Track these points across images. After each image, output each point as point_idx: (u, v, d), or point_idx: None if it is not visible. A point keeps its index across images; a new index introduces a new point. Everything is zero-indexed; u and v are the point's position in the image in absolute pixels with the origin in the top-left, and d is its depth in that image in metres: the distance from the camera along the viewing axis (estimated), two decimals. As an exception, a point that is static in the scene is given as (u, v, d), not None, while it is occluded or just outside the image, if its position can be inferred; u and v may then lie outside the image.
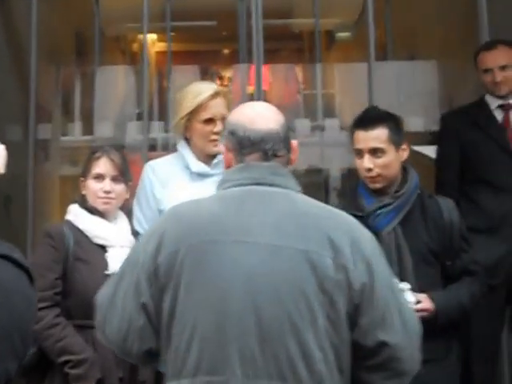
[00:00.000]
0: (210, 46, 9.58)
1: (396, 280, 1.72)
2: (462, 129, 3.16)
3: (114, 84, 6.74)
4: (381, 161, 2.36)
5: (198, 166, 2.42)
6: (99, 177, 2.44)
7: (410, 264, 2.30)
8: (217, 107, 2.42)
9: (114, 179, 2.43)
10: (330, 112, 6.72)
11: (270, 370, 1.46)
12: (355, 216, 2.32)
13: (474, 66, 3.20)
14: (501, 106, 3.16)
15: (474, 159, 3.14)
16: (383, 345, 1.55)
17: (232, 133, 1.66)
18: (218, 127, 2.39)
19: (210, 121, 2.42)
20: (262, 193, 1.60)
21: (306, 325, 1.49)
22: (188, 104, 2.43)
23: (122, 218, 2.51)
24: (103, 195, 2.42)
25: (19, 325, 1.06)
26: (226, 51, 9.74)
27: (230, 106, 2.44)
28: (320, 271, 1.51)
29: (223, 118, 2.34)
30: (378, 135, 2.36)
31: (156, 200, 2.41)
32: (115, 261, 2.28)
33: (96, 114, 4.87)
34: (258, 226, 1.53)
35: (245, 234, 1.53)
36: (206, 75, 10.74)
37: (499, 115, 3.18)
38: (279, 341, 1.47)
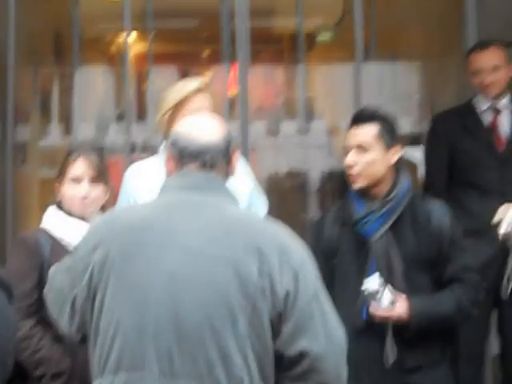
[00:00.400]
0: (191, 48, 9.50)
1: (322, 292, 1.66)
2: (451, 131, 3.14)
3: (94, 85, 6.64)
4: (364, 158, 2.30)
5: None
6: (76, 179, 2.34)
7: (400, 271, 2.25)
8: (202, 101, 2.32)
9: (92, 181, 2.33)
10: (312, 114, 6.69)
11: (188, 371, 1.49)
12: (345, 222, 2.31)
13: (463, 67, 3.15)
14: (490, 109, 3.13)
15: (461, 162, 3.11)
16: (304, 354, 1.55)
17: (174, 143, 1.73)
18: None
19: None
20: (196, 200, 1.66)
21: (226, 329, 1.51)
22: (172, 98, 2.33)
23: None
24: (80, 200, 2.32)
25: None
26: (206, 52, 9.67)
27: (216, 103, 2.37)
28: (244, 277, 1.54)
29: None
30: (366, 132, 2.31)
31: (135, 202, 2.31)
32: None
33: (75, 116, 4.78)
34: (186, 230, 1.58)
35: (172, 238, 1.58)
36: (185, 77, 10.72)
37: (487, 118, 3.15)
38: (198, 343, 1.49)
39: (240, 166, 2.32)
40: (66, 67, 4.74)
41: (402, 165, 2.42)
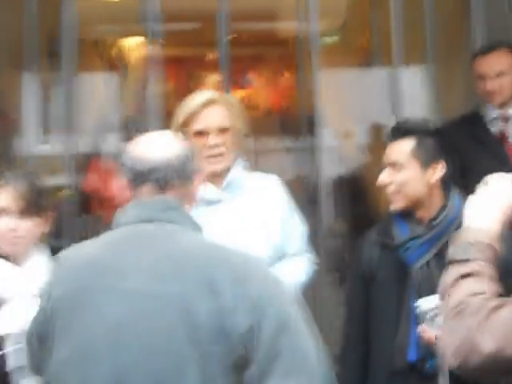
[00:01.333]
0: (195, 51, 9.37)
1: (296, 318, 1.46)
2: (459, 142, 2.93)
3: (92, 91, 6.50)
4: (398, 177, 2.11)
5: (203, 191, 2.01)
6: (2, 212, 2.00)
7: None
8: (210, 117, 2.07)
9: (21, 213, 1.99)
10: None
11: None
12: (386, 245, 2.09)
13: (467, 72, 2.97)
14: (498, 118, 2.94)
15: (472, 173, 2.92)
16: None
17: (123, 164, 1.59)
18: (212, 141, 2.05)
19: (202, 133, 2.07)
20: (145, 232, 1.49)
21: (174, 382, 1.33)
22: (180, 115, 2.12)
23: (35, 260, 2.05)
24: (8, 235, 1.99)
25: None
26: (210, 56, 9.55)
27: (238, 115, 2.13)
28: (192, 319, 1.36)
29: (222, 130, 2.05)
30: (399, 148, 2.11)
31: None
32: (9, 318, 1.91)
33: (73, 123, 4.63)
34: (133, 268, 1.42)
35: (118, 279, 1.42)
36: (190, 81, 10.58)
37: (496, 127, 2.95)
38: None
39: (273, 186, 2.14)
40: (59, 72, 4.58)
41: (451, 185, 2.20)
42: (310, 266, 2.17)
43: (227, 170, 2.08)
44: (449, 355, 1.20)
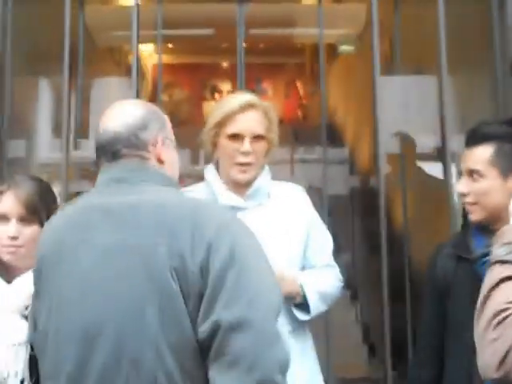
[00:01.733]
0: (209, 59, 9.33)
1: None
2: None
3: (107, 97, 6.45)
4: (477, 186, 1.95)
5: (228, 198, 1.97)
6: (3, 218, 1.90)
7: None
8: (247, 122, 1.95)
9: (22, 220, 1.90)
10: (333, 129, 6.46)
11: (99, 372, 1.41)
12: (462, 258, 1.97)
13: (493, 82, 2.86)
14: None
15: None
16: (215, 328, 1.36)
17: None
18: (246, 146, 1.94)
19: (236, 137, 1.95)
20: (113, 190, 1.57)
21: (133, 323, 1.41)
22: (216, 114, 1.99)
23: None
24: (7, 242, 1.88)
25: None
26: (225, 64, 9.50)
27: (273, 124, 2.02)
28: (152, 262, 1.43)
29: (257, 137, 1.95)
30: (477, 155, 1.95)
31: None
32: None
33: (90, 129, 4.58)
34: (101, 223, 1.50)
35: (89, 233, 1.51)
36: (203, 89, 10.55)
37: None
38: (104, 342, 1.42)
39: (298, 196, 2.06)
40: (76, 78, 4.53)
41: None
42: (339, 283, 2.08)
43: (254, 178, 1.99)
44: (490, 367, 1.13)
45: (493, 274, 1.23)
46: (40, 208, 1.90)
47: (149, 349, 1.38)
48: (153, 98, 7.10)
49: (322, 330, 3.53)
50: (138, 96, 3.77)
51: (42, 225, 1.87)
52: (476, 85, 4.19)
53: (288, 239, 1.96)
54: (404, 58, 4.79)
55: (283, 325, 1.83)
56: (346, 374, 4.16)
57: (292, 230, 1.98)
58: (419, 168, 4.80)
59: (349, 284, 5.54)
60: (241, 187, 1.99)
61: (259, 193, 1.99)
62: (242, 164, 1.96)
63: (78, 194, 4.67)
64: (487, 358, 1.14)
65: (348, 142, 6.76)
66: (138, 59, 3.81)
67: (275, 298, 1.43)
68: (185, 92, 10.04)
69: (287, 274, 1.88)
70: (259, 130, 1.96)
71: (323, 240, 2.07)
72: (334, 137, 6.42)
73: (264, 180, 2.00)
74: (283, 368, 1.37)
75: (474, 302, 1.87)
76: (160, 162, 1.62)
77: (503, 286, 1.20)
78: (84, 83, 4.51)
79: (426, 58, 4.83)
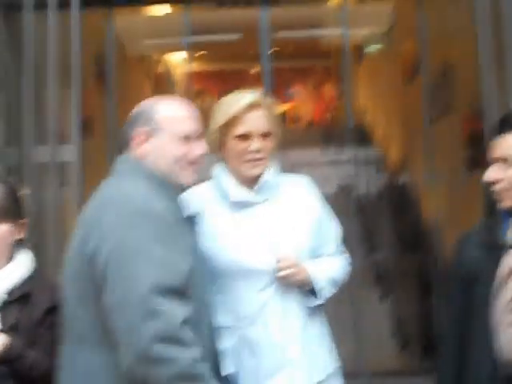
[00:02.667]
0: (239, 65, 9.38)
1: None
2: None
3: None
4: (509, 173, 1.93)
5: (239, 195, 1.98)
6: None
7: None
8: (255, 120, 1.96)
9: None
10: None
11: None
12: (491, 245, 1.95)
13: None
14: None
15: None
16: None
17: None
18: (255, 145, 1.95)
19: (245, 137, 1.96)
20: (104, 181, 1.73)
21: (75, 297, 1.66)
22: (221, 116, 1.99)
23: (5, 268, 1.99)
24: None
25: None
26: (253, 71, 9.54)
27: (276, 119, 2.04)
28: (85, 250, 1.61)
29: (265, 135, 1.97)
30: (509, 142, 1.93)
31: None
32: None
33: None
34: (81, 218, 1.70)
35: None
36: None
37: None
38: (71, 314, 1.67)
39: (305, 187, 2.09)
40: (108, 88, 4.59)
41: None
42: (346, 266, 2.11)
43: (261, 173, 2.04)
44: (507, 350, 1.10)
45: (510, 259, 1.21)
46: (12, 208, 1.97)
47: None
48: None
49: (353, 325, 3.54)
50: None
51: (13, 224, 1.96)
52: (503, 82, 4.15)
53: (297, 232, 1.98)
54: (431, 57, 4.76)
55: (299, 311, 1.90)
56: (378, 367, 4.15)
57: (300, 222, 2.00)
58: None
59: (381, 280, 5.52)
60: (249, 184, 2.01)
61: (267, 187, 2.00)
62: (253, 160, 1.97)
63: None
64: (504, 342, 1.12)
65: (377, 142, 6.74)
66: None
67: (149, 284, 1.51)
68: (215, 99, 10.13)
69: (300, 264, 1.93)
70: (266, 127, 1.98)
71: (330, 229, 2.09)
72: (363, 137, 6.40)
73: (271, 174, 2.02)
74: (163, 337, 1.47)
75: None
76: (142, 155, 1.72)
77: None
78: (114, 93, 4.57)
79: (453, 58, 4.80)
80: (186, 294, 1.54)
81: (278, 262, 1.88)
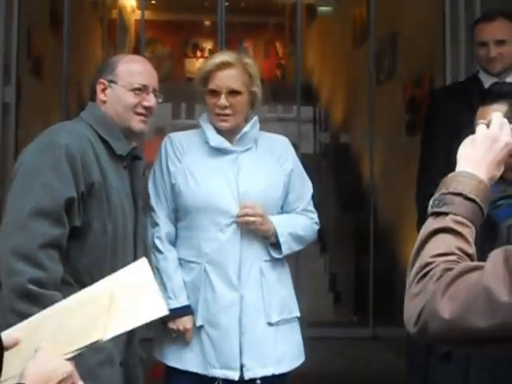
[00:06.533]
0: (192, 17, 9.23)
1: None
2: (453, 107, 2.79)
3: (92, 54, 6.39)
4: None
5: (217, 141, 2.10)
6: None
7: None
8: (223, 79, 2.08)
9: None
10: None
11: None
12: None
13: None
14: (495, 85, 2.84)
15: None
16: None
17: None
18: (222, 102, 2.06)
19: (214, 92, 2.08)
20: None
21: None
22: (199, 71, 2.17)
23: None
24: None
25: None
26: (207, 23, 9.41)
27: (254, 78, 2.11)
28: None
29: (233, 92, 2.06)
30: (490, 113, 2.01)
31: (169, 173, 2.11)
32: None
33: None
34: None
35: None
36: (185, 46, 10.43)
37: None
38: None
39: (283, 145, 2.17)
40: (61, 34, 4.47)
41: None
42: (314, 225, 2.21)
43: (240, 127, 2.11)
44: (410, 321, 1.06)
45: (427, 227, 1.15)
46: None
47: None
48: (135, 54, 7.02)
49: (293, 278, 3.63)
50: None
51: None
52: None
53: (270, 182, 2.09)
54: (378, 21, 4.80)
55: (259, 256, 2.02)
56: (314, 318, 4.28)
57: (275, 174, 2.11)
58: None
59: (319, 238, 5.64)
60: (230, 135, 2.11)
61: (246, 138, 2.11)
62: (220, 115, 2.08)
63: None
64: (408, 313, 1.08)
65: (323, 102, 6.79)
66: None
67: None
68: (167, 49, 9.94)
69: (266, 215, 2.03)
70: (235, 85, 2.07)
71: (303, 187, 2.19)
72: (309, 96, 6.43)
73: (251, 128, 2.12)
74: (18, 252, 1.61)
75: (481, 243, 1.87)
76: (101, 102, 1.87)
77: (434, 239, 1.12)
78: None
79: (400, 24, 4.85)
80: (61, 219, 1.67)
81: (244, 207, 1.98)
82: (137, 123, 1.87)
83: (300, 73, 4.98)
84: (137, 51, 6.34)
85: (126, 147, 1.86)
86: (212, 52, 9.49)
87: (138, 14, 8.14)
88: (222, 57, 2.10)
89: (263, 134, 2.18)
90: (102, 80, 1.87)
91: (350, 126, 5.90)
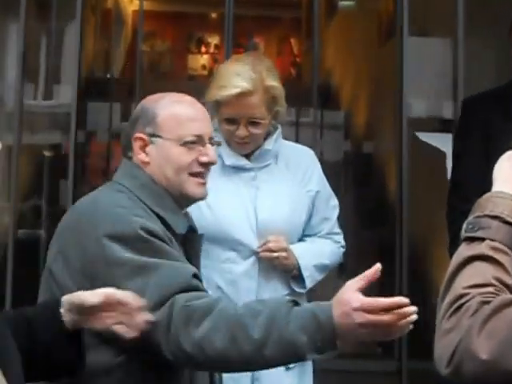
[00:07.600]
0: (197, 8, 9.25)
1: None
2: (490, 117, 2.79)
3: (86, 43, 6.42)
4: None
5: (232, 158, 2.03)
6: None
7: None
8: (243, 108, 1.98)
9: None
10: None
11: None
12: None
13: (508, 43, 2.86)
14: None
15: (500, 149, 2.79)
16: None
17: None
18: (241, 132, 2.00)
19: (231, 121, 2.01)
20: None
21: None
22: (212, 91, 2.02)
23: None
24: None
25: None
26: (213, 15, 9.44)
27: (278, 98, 2.05)
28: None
29: (253, 122, 2.00)
30: None
31: None
32: None
33: (60, 77, 4.60)
34: None
35: None
36: (189, 41, 10.47)
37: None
38: None
39: (307, 159, 2.14)
40: (51, 22, 4.52)
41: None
42: (339, 249, 2.22)
43: (260, 143, 2.07)
44: (442, 361, 1.05)
45: (460, 254, 1.14)
46: None
47: None
48: (132, 48, 7.07)
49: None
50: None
51: None
52: (485, 47, 4.25)
53: (293, 208, 2.04)
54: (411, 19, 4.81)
55: (280, 291, 2.00)
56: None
57: (297, 196, 2.07)
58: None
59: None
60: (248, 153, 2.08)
61: (266, 154, 2.07)
62: (239, 143, 2.04)
63: (51, 145, 4.71)
64: (440, 352, 1.07)
65: (344, 106, 6.81)
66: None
67: None
68: (167, 43, 9.98)
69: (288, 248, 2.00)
70: (257, 115, 2.00)
71: (327, 207, 2.15)
72: (327, 98, 6.45)
73: (272, 142, 2.06)
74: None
75: None
76: (142, 161, 1.60)
77: (469, 267, 1.10)
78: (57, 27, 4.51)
79: (431, 20, 4.88)
80: None
81: (268, 242, 1.96)
82: (195, 188, 1.61)
83: (317, 72, 4.99)
84: (134, 46, 6.38)
85: (184, 223, 1.61)
86: (218, 47, 9.54)
87: (136, 5, 8.18)
88: (240, 83, 1.97)
89: (284, 144, 2.12)
90: (139, 135, 1.59)
91: (374, 131, 5.91)
